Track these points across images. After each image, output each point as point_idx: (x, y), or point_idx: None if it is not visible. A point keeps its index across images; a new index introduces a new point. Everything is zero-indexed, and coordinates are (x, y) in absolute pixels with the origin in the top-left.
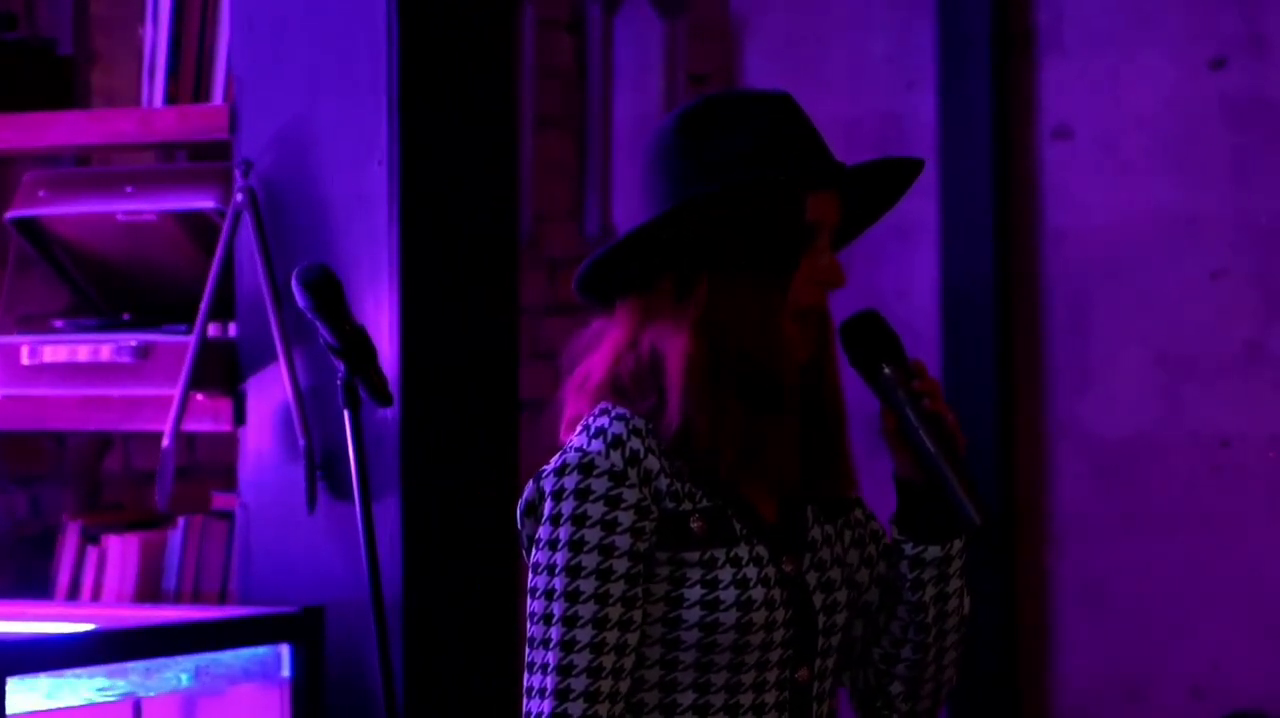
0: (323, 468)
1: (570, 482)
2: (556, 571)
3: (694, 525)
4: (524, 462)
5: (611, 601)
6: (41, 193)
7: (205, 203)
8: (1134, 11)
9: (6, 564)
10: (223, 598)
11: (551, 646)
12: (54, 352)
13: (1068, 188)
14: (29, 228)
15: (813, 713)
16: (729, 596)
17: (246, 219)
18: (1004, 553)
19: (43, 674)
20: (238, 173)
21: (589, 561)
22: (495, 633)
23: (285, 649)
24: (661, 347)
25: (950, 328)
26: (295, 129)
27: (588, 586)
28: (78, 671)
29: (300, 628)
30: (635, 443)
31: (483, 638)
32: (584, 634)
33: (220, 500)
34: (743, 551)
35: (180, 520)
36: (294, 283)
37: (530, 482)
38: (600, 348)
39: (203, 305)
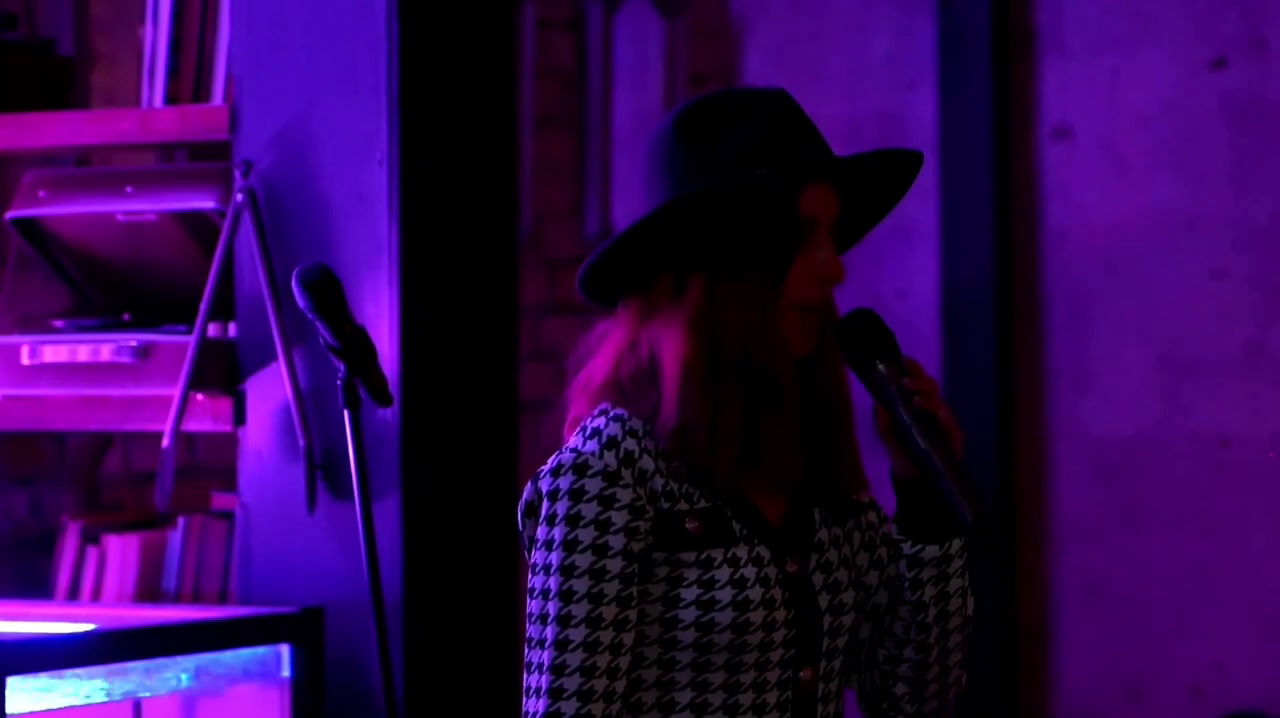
0: (323, 468)
1: (565, 482)
2: (552, 570)
3: (690, 526)
4: (524, 462)
5: (606, 600)
6: (41, 193)
7: (205, 203)
8: (1134, 11)
9: (6, 564)
10: (223, 598)
11: (546, 645)
12: (54, 352)
13: (1068, 188)
14: (29, 228)
15: (817, 714)
16: (725, 595)
17: (246, 219)
18: (1004, 553)
19: (43, 674)
20: (238, 173)
21: (583, 561)
22: (495, 633)
23: (285, 649)
24: (658, 346)
25: (950, 328)
26: (295, 129)
27: (581, 585)
28: (78, 671)
29: (300, 628)
30: (630, 443)
31: (483, 638)
32: (577, 634)
33: (220, 500)
34: (741, 551)
35: (180, 520)
36: (294, 283)
37: (529, 482)
38: (603, 349)
39: (203, 305)
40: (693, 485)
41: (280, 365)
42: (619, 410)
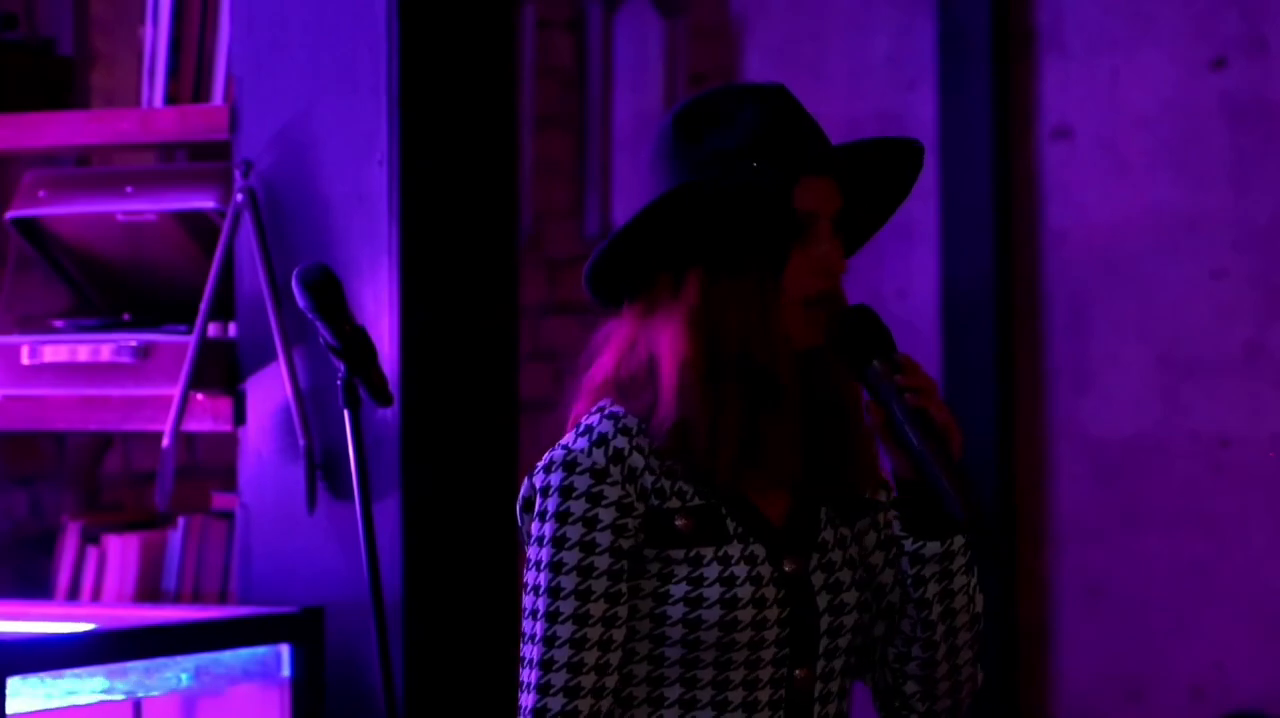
0: (323, 468)
1: (555, 479)
2: (541, 567)
3: (679, 523)
4: (524, 462)
5: (593, 597)
6: (41, 193)
7: (205, 203)
8: (1134, 11)
9: (6, 564)
10: (223, 598)
11: (535, 640)
12: (54, 352)
13: (1068, 188)
14: (29, 228)
15: (814, 714)
16: (712, 593)
17: (246, 219)
18: (1004, 553)
19: (43, 674)
20: (238, 173)
21: (570, 557)
22: (495, 633)
23: (285, 649)
24: (655, 344)
25: (950, 328)
26: (295, 129)
27: (569, 582)
28: (78, 671)
29: (300, 628)
30: (620, 441)
31: (483, 638)
32: (564, 631)
33: (220, 500)
34: (734, 549)
35: (180, 520)
36: (294, 283)
37: (525, 478)
38: (607, 348)
39: (203, 305)
40: (687, 483)
41: (280, 365)
42: (615, 408)
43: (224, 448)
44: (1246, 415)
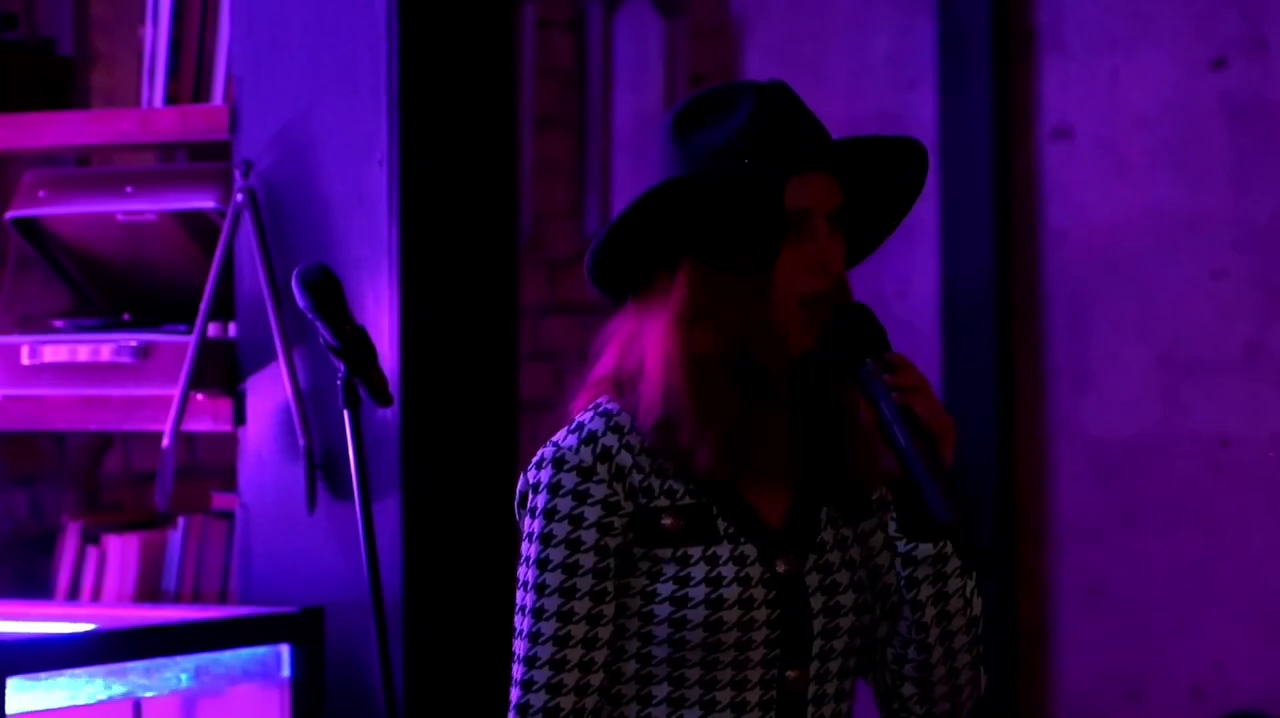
0: (323, 468)
1: (544, 475)
2: (529, 563)
3: (665, 522)
4: (524, 462)
5: (578, 595)
6: (41, 193)
7: (205, 203)
8: (1134, 11)
9: (6, 564)
10: (223, 598)
11: (522, 636)
12: (54, 352)
13: (1068, 188)
14: (29, 228)
15: (807, 715)
16: (698, 593)
17: (246, 219)
18: (1004, 553)
19: (43, 674)
20: (238, 173)
21: (556, 554)
22: (495, 633)
23: (285, 649)
24: (646, 339)
25: (950, 328)
26: (295, 129)
27: (554, 579)
28: (78, 671)
29: (300, 628)
30: (610, 439)
31: (483, 638)
32: (549, 627)
33: (220, 500)
34: (723, 549)
35: (180, 520)
36: (294, 283)
37: (521, 474)
38: (610, 344)
39: (203, 305)
40: (678, 482)
41: (280, 365)
42: (610, 405)
43: (224, 448)
44: (1246, 415)
